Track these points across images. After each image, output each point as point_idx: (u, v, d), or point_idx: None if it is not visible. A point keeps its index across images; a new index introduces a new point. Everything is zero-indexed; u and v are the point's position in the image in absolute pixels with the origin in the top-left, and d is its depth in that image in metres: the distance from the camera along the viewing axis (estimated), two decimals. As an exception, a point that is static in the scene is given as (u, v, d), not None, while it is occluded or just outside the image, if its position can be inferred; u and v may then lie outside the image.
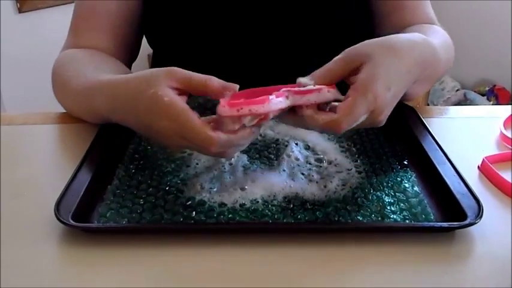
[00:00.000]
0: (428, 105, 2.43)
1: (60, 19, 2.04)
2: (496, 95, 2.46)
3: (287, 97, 0.50)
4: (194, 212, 0.51)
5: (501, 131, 0.66)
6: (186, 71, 0.53)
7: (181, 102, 0.51)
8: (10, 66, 1.94)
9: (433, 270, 0.45)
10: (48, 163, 0.64)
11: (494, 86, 2.47)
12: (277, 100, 0.49)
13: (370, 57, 0.52)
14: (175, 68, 0.53)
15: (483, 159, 0.59)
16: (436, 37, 0.69)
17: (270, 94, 0.50)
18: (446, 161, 0.58)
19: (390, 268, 0.46)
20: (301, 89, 0.51)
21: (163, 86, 0.51)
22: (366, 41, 0.55)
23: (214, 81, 0.52)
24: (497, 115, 0.71)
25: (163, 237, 0.49)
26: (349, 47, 0.55)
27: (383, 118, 0.53)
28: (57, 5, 2.00)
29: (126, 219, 0.51)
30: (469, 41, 2.38)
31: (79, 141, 0.66)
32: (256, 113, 0.48)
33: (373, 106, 0.50)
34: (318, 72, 0.53)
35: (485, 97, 2.48)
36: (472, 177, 0.58)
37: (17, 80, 1.97)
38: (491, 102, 2.44)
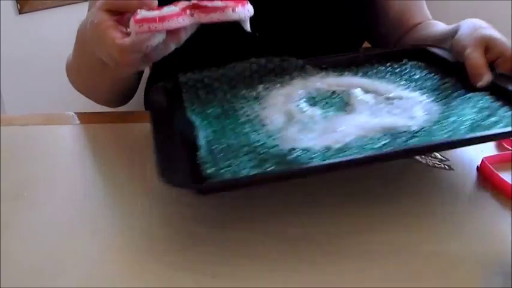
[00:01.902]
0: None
1: (60, 20, 2.04)
2: (496, 96, 2.46)
3: (192, 15, 0.52)
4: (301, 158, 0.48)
5: (500, 132, 0.66)
6: None
7: (106, 20, 0.54)
8: (10, 67, 1.94)
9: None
10: (49, 164, 0.64)
11: (494, 86, 2.48)
12: (178, 19, 0.51)
13: (486, 35, 0.65)
14: None
15: (482, 160, 0.59)
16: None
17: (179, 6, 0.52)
18: None
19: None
20: (208, 4, 0.52)
21: (98, 11, 0.55)
22: (460, 36, 0.68)
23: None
24: (497, 116, 0.71)
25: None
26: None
27: None
28: (57, 6, 1.99)
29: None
30: (469, 42, 2.37)
31: (80, 142, 0.66)
32: (155, 30, 0.50)
33: None
34: (478, 70, 0.62)
35: (485, 98, 2.48)
36: (471, 177, 0.58)
37: (17, 81, 1.97)
38: (491, 103, 2.44)
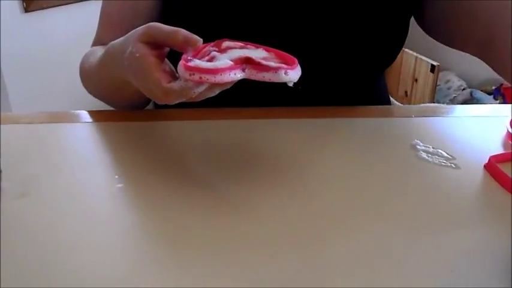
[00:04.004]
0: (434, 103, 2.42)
1: (66, 18, 2.05)
2: (502, 94, 2.45)
3: (243, 70, 0.50)
4: None
5: (507, 130, 0.66)
6: (162, 25, 0.54)
7: (148, 56, 0.52)
8: (16, 66, 1.95)
9: (433, 271, 0.45)
10: (55, 162, 0.64)
11: (501, 85, 2.46)
12: (231, 73, 0.49)
13: None
14: (154, 23, 0.55)
15: (489, 158, 0.59)
16: None
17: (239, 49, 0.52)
18: None
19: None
20: (262, 62, 0.50)
21: (137, 42, 0.53)
22: None
23: (179, 35, 0.52)
24: (504, 114, 0.71)
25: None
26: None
27: None
28: (63, 5, 2.00)
29: None
30: (475, 40, 2.36)
31: (86, 141, 0.66)
32: (206, 81, 0.49)
33: None
34: None
35: (492, 96, 2.47)
36: (478, 176, 0.58)
37: (23, 79, 1.97)
38: (498, 101, 2.43)
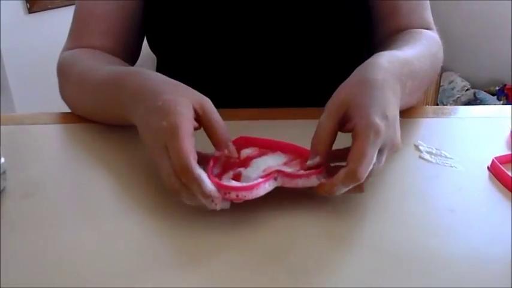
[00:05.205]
0: (437, 104, 2.42)
1: (69, 19, 2.05)
2: (506, 95, 2.44)
3: (276, 179, 0.51)
4: None
5: (511, 131, 0.66)
6: (213, 107, 0.54)
7: (187, 128, 0.50)
8: (20, 66, 1.95)
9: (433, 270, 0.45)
10: (57, 163, 0.64)
11: (505, 85, 2.46)
12: (265, 185, 0.50)
13: (351, 101, 0.52)
14: (208, 99, 0.55)
15: (493, 160, 0.59)
16: (416, 46, 0.68)
17: (272, 147, 0.55)
18: None
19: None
20: (292, 172, 0.51)
21: (185, 104, 0.52)
22: (339, 88, 0.55)
23: (222, 133, 0.53)
24: (507, 115, 0.71)
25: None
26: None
27: (398, 142, 0.53)
28: (66, 6, 2.00)
29: None
30: (479, 41, 2.36)
31: (88, 141, 0.66)
32: (243, 199, 0.48)
33: (381, 141, 0.50)
34: (316, 146, 0.52)
35: (496, 97, 2.46)
36: (482, 177, 0.58)
37: (27, 80, 1.98)
38: (502, 102, 2.42)
